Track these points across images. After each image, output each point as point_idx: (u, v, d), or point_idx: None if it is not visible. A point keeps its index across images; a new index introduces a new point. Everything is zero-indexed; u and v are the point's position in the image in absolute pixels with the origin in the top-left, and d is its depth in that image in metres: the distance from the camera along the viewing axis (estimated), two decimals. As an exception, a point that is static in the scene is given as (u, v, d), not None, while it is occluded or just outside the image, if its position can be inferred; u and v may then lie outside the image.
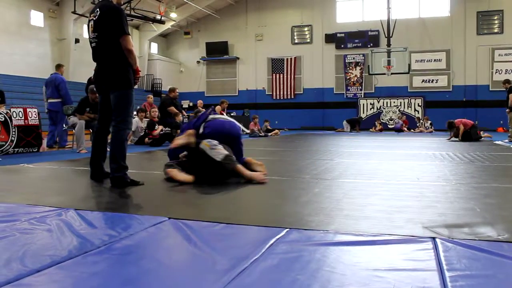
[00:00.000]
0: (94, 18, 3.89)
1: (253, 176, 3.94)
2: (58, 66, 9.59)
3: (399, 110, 21.28)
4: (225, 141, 4.14)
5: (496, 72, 20.09)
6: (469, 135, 10.87)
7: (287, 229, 2.21)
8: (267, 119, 17.25)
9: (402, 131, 18.48)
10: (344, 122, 19.46)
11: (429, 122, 18.80)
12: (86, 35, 3.99)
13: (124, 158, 3.83)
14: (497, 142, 10.30)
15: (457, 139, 11.09)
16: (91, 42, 3.97)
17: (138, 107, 11.15)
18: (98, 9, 3.89)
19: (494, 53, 20.09)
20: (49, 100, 9.11)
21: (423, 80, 21.04)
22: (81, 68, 17.24)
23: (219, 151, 3.95)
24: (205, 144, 3.99)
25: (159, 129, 9.92)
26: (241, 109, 19.58)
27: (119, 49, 3.85)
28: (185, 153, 4.31)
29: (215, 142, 4.03)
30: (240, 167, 3.99)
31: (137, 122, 10.34)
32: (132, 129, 10.23)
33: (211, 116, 4.48)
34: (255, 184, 3.82)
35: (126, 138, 3.95)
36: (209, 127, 4.30)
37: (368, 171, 4.81)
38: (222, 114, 4.70)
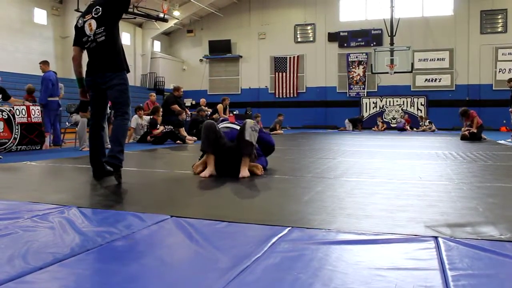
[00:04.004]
0: (96, 15, 3.99)
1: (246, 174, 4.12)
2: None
3: (401, 109, 21.25)
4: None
5: (499, 71, 20.03)
6: (474, 134, 10.80)
7: (289, 228, 2.21)
8: (281, 113, 17.11)
9: (405, 130, 18.44)
10: (346, 121, 19.47)
11: (428, 121, 18.79)
12: (88, 33, 4.03)
13: (124, 144, 3.97)
14: (500, 141, 10.27)
15: (473, 130, 10.91)
16: (92, 41, 4.02)
17: (140, 105, 11.14)
18: (98, 6, 4.00)
19: (498, 52, 20.03)
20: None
21: (426, 79, 20.99)
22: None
23: (253, 137, 4.20)
24: (251, 121, 4.29)
25: (160, 128, 9.91)
26: (244, 108, 19.58)
27: (118, 37, 4.11)
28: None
29: (258, 128, 4.33)
30: (246, 161, 4.19)
31: (137, 119, 10.34)
32: (133, 126, 10.25)
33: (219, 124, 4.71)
34: (257, 182, 3.82)
35: (127, 128, 4.14)
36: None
37: (370, 170, 4.80)
38: (231, 121, 4.85)
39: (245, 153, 4.17)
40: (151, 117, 10.14)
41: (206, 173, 4.16)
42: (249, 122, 4.27)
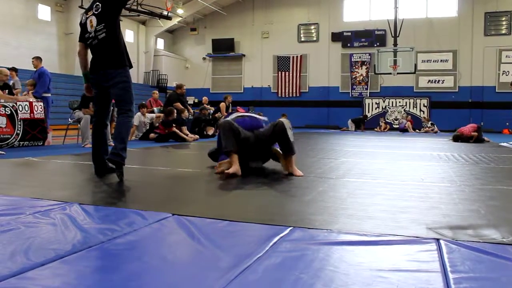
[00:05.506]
0: (96, 12, 4.01)
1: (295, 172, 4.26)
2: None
3: (404, 110, 21.22)
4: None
5: (503, 73, 19.97)
6: (477, 138, 10.84)
7: (291, 228, 2.21)
8: (285, 113, 17.13)
9: (407, 131, 18.42)
10: (349, 121, 19.46)
11: (430, 122, 18.77)
12: (89, 30, 4.08)
13: (127, 142, 3.99)
14: (502, 144, 10.24)
15: (475, 134, 10.94)
16: (93, 38, 4.04)
17: (143, 102, 11.15)
18: (98, 3, 4.02)
19: (501, 54, 19.97)
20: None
21: (429, 81, 20.96)
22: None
23: (292, 135, 4.30)
24: (287, 121, 4.36)
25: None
26: (246, 106, 19.58)
27: (119, 33, 4.10)
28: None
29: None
30: (292, 160, 4.36)
31: (140, 117, 10.34)
32: (135, 124, 10.24)
33: (229, 117, 4.67)
34: (259, 182, 3.83)
35: (131, 126, 4.15)
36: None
37: (372, 170, 4.80)
38: (242, 112, 4.94)
39: (291, 153, 4.29)
40: (163, 119, 9.89)
41: (231, 170, 4.04)
42: (287, 122, 4.34)
